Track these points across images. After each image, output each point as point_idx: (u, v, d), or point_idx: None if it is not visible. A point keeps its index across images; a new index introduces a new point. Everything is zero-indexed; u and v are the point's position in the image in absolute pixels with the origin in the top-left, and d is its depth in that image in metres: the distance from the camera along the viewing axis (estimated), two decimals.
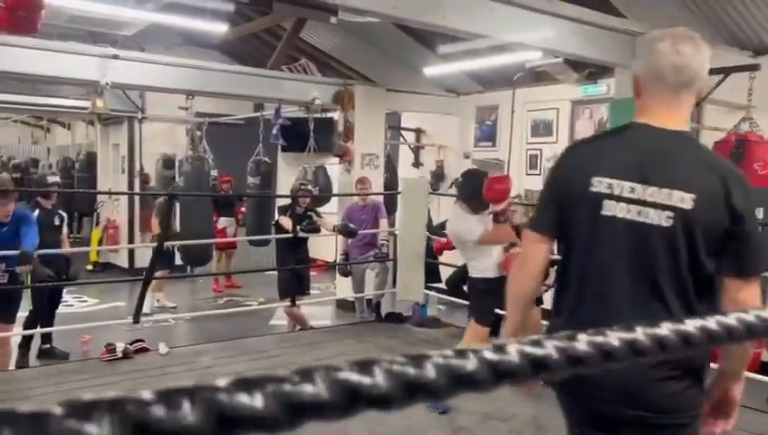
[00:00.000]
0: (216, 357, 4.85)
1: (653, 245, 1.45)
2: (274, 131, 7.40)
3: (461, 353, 0.42)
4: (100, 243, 9.67)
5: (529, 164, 7.52)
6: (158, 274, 7.14)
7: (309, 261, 6.45)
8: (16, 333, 5.03)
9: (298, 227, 5.71)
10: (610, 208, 1.48)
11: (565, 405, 1.61)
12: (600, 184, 1.50)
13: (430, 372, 0.40)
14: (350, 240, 6.27)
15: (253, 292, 8.26)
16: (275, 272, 6.23)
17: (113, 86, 5.93)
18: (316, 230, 6.04)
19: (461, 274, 5.80)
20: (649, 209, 1.45)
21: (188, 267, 7.60)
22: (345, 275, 6.63)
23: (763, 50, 5.33)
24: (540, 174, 7.38)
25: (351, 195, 6.74)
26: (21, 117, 12.08)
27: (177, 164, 8.62)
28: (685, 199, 1.41)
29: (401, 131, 9.03)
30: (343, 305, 7.38)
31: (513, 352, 0.44)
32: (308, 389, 0.35)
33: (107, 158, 10.00)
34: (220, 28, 6.16)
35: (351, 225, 6.06)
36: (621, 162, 1.51)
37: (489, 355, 0.42)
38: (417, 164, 8.89)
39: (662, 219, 1.43)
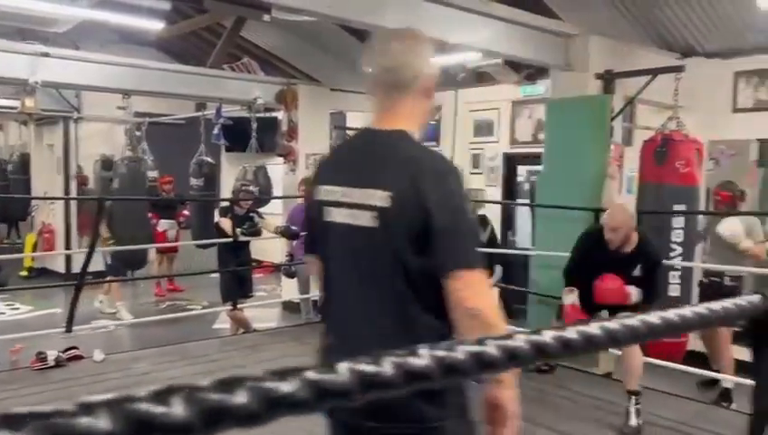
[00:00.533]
0: (154, 363, 4.73)
1: (363, 248, 1.43)
2: (216, 131, 7.29)
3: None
4: (35, 248, 9.31)
5: (472, 163, 7.63)
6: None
7: (251, 263, 6.37)
8: None
9: (238, 230, 5.63)
10: (330, 214, 1.47)
11: (326, 420, 1.54)
12: (321, 192, 1.50)
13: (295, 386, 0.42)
14: (294, 241, 6.22)
15: (196, 295, 8.10)
16: (218, 275, 6.13)
17: (44, 85, 5.72)
18: (257, 233, 5.97)
19: None
20: (357, 211, 1.42)
21: (128, 271, 7.40)
22: (290, 276, 6.58)
23: (690, 52, 5.56)
24: (482, 173, 7.50)
25: (293, 197, 6.68)
26: None
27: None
28: (383, 198, 1.38)
29: (347, 131, 9.01)
30: (289, 307, 7.32)
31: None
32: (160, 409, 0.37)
33: (41, 159, 9.63)
34: (156, 25, 6.00)
35: (294, 226, 6.01)
36: (338, 168, 1.53)
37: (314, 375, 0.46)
38: None
39: (367, 220, 1.40)
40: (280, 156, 7.31)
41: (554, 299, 4.36)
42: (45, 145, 9.58)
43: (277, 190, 7.48)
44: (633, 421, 3.52)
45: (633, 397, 3.57)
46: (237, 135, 7.51)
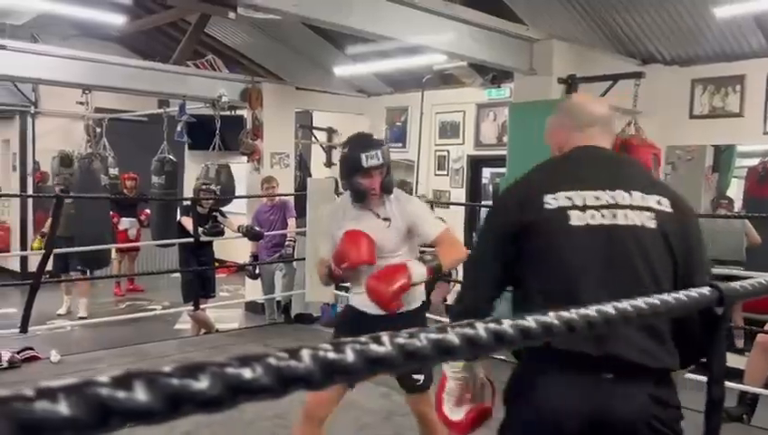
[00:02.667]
0: (112, 364, 4.64)
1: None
2: (179, 129, 7.18)
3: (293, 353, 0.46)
4: None
5: (437, 165, 7.68)
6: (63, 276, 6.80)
7: (214, 263, 6.29)
8: None
9: (200, 230, 5.55)
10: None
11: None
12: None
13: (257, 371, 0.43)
14: (258, 242, 6.17)
15: (156, 295, 7.96)
16: (180, 275, 6.05)
17: (0, 78, 5.55)
18: (220, 233, 5.91)
19: None
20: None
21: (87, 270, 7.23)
22: (253, 277, 6.52)
23: (650, 59, 5.70)
24: (447, 175, 7.56)
25: (257, 196, 6.63)
26: None
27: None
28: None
29: (313, 130, 8.98)
30: (253, 308, 7.26)
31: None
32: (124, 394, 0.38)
33: None
34: (117, 20, 5.88)
35: (257, 227, 5.96)
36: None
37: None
38: (329, 163, 8.86)
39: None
40: (244, 154, 7.23)
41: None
42: (0, 140, 9.30)
43: (241, 189, 7.40)
44: None
45: None
46: (201, 133, 7.40)
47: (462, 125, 7.43)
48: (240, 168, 7.69)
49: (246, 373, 0.41)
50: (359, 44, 6.84)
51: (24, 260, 8.65)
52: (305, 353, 0.45)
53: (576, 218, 1.48)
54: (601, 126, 1.65)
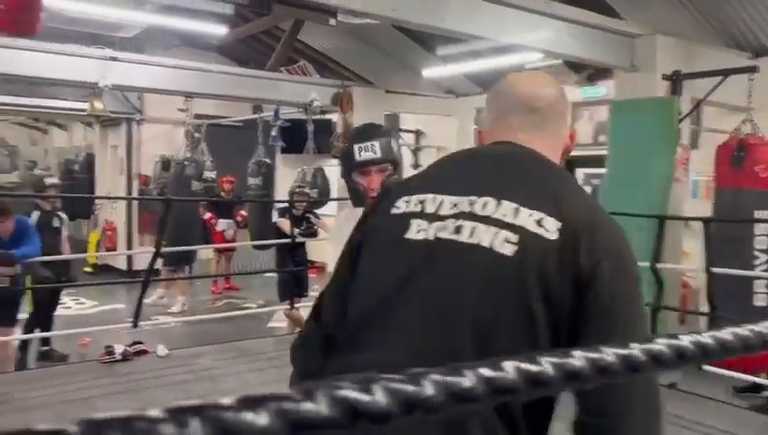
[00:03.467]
0: (215, 359, 4.84)
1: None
2: (273, 133, 7.40)
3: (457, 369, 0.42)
4: (98, 245, 9.65)
5: None
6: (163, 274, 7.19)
7: (307, 263, 6.44)
8: (16, 337, 5.01)
9: (296, 231, 5.70)
10: None
11: None
12: None
13: (428, 389, 0.39)
14: None
15: (251, 294, 8.24)
16: (274, 274, 6.23)
17: (112, 88, 5.92)
18: (314, 234, 6.04)
19: None
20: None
21: (186, 268, 7.59)
22: None
23: (763, 51, 5.33)
24: None
25: (348, 198, 6.72)
26: (19, 119, 12.08)
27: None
28: None
29: (400, 133, 9.03)
30: None
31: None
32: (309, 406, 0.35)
33: (105, 159, 9.99)
34: (219, 30, 6.15)
35: None
36: None
37: (486, 372, 0.42)
38: (416, 165, 8.88)
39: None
40: (335, 158, 7.36)
41: None
42: (109, 146, 9.93)
43: (332, 192, 7.55)
44: None
45: None
46: (293, 137, 7.61)
47: None
48: (332, 170, 7.84)
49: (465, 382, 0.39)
50: (449, 45, 6.81)
51: (129, 259, 9.19)
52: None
53: (416, 230, 1.04)
54: (527, 114, 1.17)
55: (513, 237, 0.98)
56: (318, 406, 0.34)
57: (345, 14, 3.94)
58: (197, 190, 7.49)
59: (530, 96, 1.17)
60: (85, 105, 7.66)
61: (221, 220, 8.14)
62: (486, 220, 1.00)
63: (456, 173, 1.14)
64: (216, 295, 8.42)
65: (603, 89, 6.51)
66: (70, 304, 7.34)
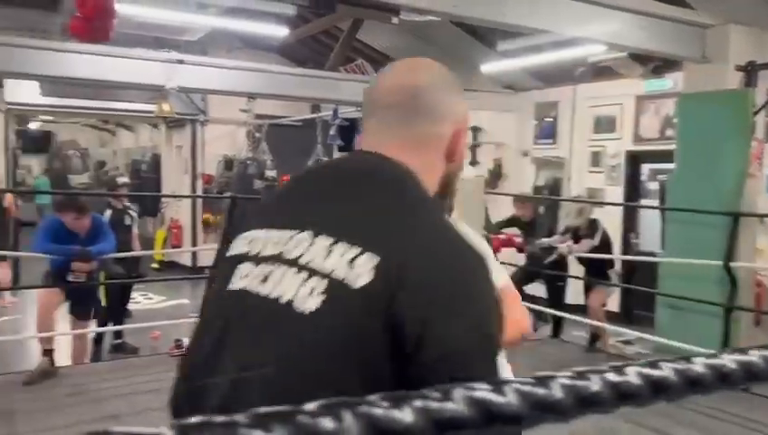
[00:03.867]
0: None
1: None
2: (332, 132, 7.49)
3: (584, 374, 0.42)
4: (164, 242, 10.00)
5: (592, 161, 7.34)
6: None
7: None
8: (92, 330, 5.25)
9: None
10: None
11: None
12: None
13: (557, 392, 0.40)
14: None
15: None
16: None
17: (179, 90, 6.11)
18: None
19: (521, 274, 5.72)
20: None
21: None
22: None
23: None
24: (603, 171, 7.20)
25: None
26: (90, 121, 12.63)
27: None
28: None
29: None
30: None
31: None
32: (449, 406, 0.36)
33: (171, 159, 10.33)
34: (280, 31, 6.26)
35: None
36: None
37: (612, 377, 0.42)
38: (473, 162, 8.81)
39: None
40: None
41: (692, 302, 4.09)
42: (174, 146, 10.27)
43: None
44: None
45: None
46: (351, 135, 7.69)
47: (619, 119, 7.03)
48: None
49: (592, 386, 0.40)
50: (509, 40, 6.72)
51: (194, 255, 9.48)
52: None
53: (240, 277, 0.84)
54: (384, 113, 0.91)
55: (321, 286, 0.75)
56: (457, 405, 0.35)
57: (408, 12, 3.95)
58: (259, 189, 7.66)
59: (388, 89, 0.91)
60: (152, 107, 7.96)
61: None
62: (295, 264, 0.78)
63: (292, 198, 0.92)
64: None
65: (669, 81, 6.28)
66: (139, 299, 7.64)
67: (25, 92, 8.14)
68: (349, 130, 7.69)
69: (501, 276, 1.40)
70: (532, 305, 5.61)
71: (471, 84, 7.77)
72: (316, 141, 7.83)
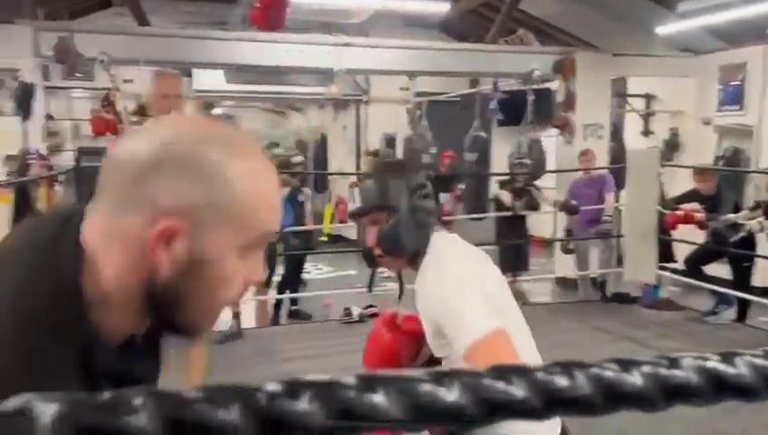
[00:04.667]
0: None
1: None
2: (493, 106, 7.39)
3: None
4: (332, 217, 10.58)
5: None
6: None
7: (527, 236, 6.37)
8: (272, 296, 5.75)
9: (517, 204, 5.67)
10: None
11: None
12: None
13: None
14: (573, 216, 6.07)
15: None
16: (492, 247, 6.27)
17: (346, 72, 6.39)
18: (535, 207, 5.95)
19: (703, 252, 5.29)
20: None
21: None
22: (567, 252, 6.44)
23: None
24: None
25: (569, 170, 6.49)
26: (265, 105, 13.63)
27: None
28: None
29: (628, 98, 8.43)
30: (564, 283, 7.18)
31: None
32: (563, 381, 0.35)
33: (337, 139, 10.86)
34: (443, 7, 6.28)
35: (574, 201, 5.85)
36: None
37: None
38: (646, 133, 8.24)
39: None
40: (555, 127, 7.15)
41: None
42: (340, 126, 10.78)
43: (550, 164, 7.34)
44: None
45: None
46: (510, 109, 7.54)
47: None
48: (549, 141, 7.62)
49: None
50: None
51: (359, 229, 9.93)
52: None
53: None
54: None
55: None
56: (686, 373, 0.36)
57: None
58: (426, 164, 7.81)
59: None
60: (321, 89, 8.39)
61: (440, 195, 8.39)
62: None
63: None
64: None
65: None
66: (309, 270, 8.19)
67: (211, 80, 9.00)
68: (507, 104, 7.54)
69: (485, 324, 1.26)
70: (715, 287, 5.19)
71: (644, 49, 7.24)
72: (474, 117, 7.77)
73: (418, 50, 6.60)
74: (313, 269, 8.34)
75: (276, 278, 5.75)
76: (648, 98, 8.29)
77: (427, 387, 0.33)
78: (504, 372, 0.34)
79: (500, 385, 0.34)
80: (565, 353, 4.23)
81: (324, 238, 10.34)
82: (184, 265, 0.63)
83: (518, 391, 0.34)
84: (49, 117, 6.79)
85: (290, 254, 5.68)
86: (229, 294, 0.67)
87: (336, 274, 8.08)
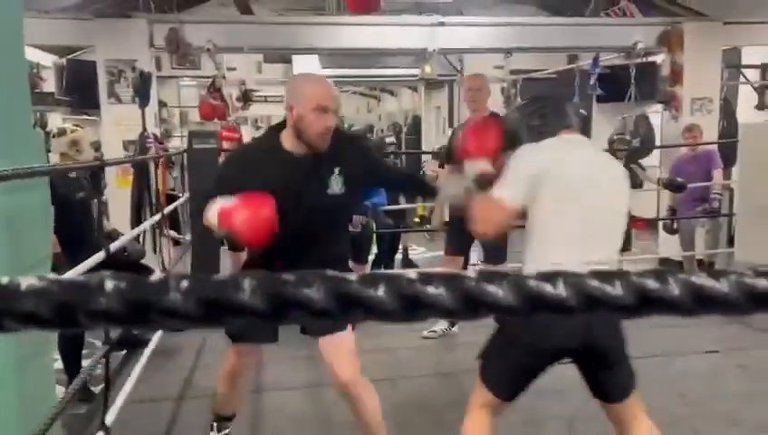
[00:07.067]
0: None
1: None
2: (592, 81, 7.15)
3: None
4: None
5: None
6: None
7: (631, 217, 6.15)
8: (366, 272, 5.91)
9: None
10: None
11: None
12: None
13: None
14: (677, 194, 5.79)
15: None
16: None
17: (439, 52, 6.39)
18: (638, 185, 5.74)
19: None
20: None
21: None
22: (671, 232, 6.17)
23: None
24: None
25: (675, 146, 6.18)
26: (358, 88, 13.85)
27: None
28: None
29: (741, 70, 7.88)
30: (667, 264, 6.88)
31: None
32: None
33: (430, 120, 10.88)
34: None
35: (679, 178, 5.58)
36: None
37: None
38: (762, 106, 7.68)
39: None
40: (661, 102, 6.81)
41: None
42: (433, 107, 10.78)
43: (656, 140, 7.02)
44: None
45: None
46: (611, 85, 7.25)
47: None
48: (654, 117, 7.28)
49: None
50: None
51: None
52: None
53: None
54: None
55: None
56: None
57: None
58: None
59: None
60: (414, 71, 8.44)
61: None
62: None
63: None
64: None
65: None
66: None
67: (309, 66, 9.26)
68: (608, 79, 7.26)
69: (499, 190, 2.02)
70: None
71: (761, 16, 6.73)
72: (573, 93, 7.54)
73: (514, 26, 6.48)
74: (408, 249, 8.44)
75: (370, 257, 5.90)
76: (764, 69, 7.71)
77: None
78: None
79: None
80: (669, 338, 4.07)
81: (417, 219, 10.44)
82: (297, 118, 2.15)
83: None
84: (162, 104, 7.27)
85: (384, 232, 5.80)
86: (316, 128, 2.13)
87: (429, 254, 8.16)
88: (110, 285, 0.41)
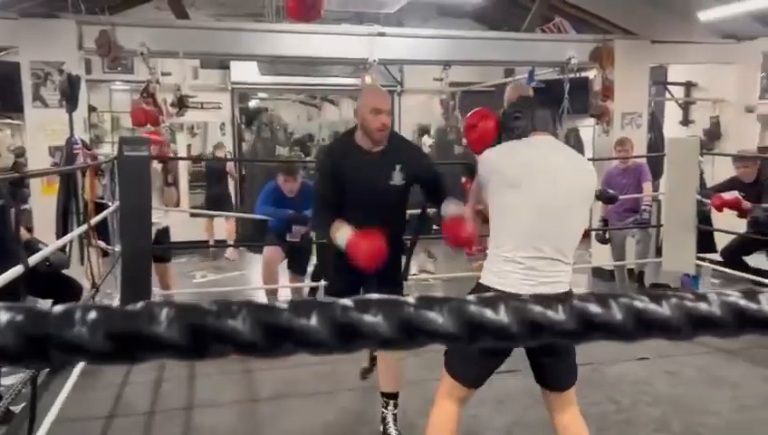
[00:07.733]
0: None
1: None
2: None
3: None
4: None
5: None
6: None
7: None
8: (306, 284, 5.81)
9: None
10: None
11: None
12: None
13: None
14: (609, 206, 5.99)
15: None
16: None
17: (380, 62, 6.41)
18: None
19: (742, 242, 5.18)
20: None
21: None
22: (603, 242, 6.37)
23: None
24: None
25: (606, 159, 6.40)
26: (299, 97, 13.73)
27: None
28: None
29: (667, 87, 8.27)
30: (599, 273, 7.11)
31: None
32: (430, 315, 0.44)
33: None
34: None
35: (611, 190, 5.78)
36: None
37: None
38: (686, 122, 8.07)
39: None
40: (593, 117, 7.05)
41: None
42: None
43: (587, 153, 7.26)
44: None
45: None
46: (544, 98, 7.45)
47: None
48: (586, 131, 7.52)
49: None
50: None
51: None
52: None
53: None
54: None
55: None
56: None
57: None
58: (458, 155, 7.80)
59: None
60: (354, 81, 8.43)
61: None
62: None
63: None
64: (469, 257, 8.73)
65: None
66: None
67: (247, 72, 9.12)
68: (543, 93, 7.46)
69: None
70: (757, 278, 5.08)
71: (684, 35, 7.09)
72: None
73: (453, 39, 6.57)
74: None
75: (310, 268, 5.82)
76: (688, 86, 8.11)
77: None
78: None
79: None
80: (603, 346, 4.22)
81: None
82: (362, 119, 2.78)
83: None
84: (92, 109, 6.97)
85: (324, 242, 5.73)
86: (374, 125, 2.74)
87: None
88: (3, 317, 0.36)
